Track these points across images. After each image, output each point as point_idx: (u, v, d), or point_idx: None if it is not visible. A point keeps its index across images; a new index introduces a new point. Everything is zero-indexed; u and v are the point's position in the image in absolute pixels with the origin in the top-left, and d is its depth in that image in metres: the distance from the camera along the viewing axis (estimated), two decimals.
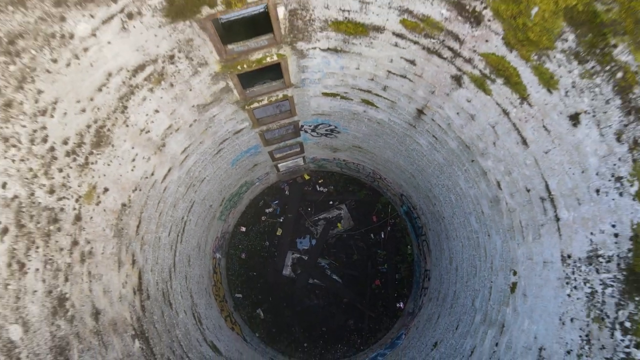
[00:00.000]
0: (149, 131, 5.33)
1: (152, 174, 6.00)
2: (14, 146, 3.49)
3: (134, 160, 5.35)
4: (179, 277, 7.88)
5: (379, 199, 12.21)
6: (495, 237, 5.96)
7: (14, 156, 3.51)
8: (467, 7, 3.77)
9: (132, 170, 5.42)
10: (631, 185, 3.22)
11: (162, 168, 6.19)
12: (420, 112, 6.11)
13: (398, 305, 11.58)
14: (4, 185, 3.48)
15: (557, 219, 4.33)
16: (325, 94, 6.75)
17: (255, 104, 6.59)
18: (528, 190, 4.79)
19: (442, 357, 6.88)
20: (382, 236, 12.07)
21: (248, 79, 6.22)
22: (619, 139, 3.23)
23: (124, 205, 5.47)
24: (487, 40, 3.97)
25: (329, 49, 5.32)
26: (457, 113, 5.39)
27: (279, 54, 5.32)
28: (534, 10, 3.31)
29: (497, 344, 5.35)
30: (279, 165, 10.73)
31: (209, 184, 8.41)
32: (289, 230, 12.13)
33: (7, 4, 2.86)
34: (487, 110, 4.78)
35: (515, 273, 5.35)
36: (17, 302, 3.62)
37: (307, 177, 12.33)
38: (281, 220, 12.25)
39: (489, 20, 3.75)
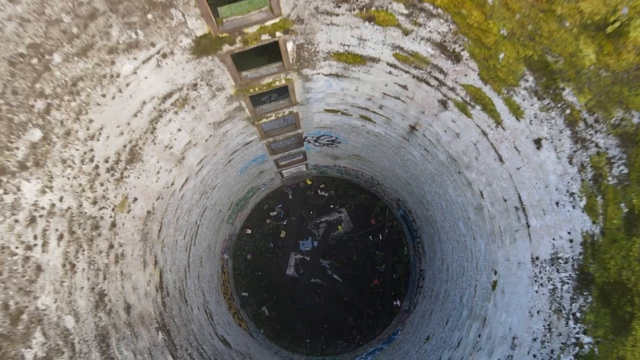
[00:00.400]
0: (172, 147, 6.02)
1: (172, 184, 6.69)
2: (70, 166, 4.17)
3: (158, 172, 6.04)
4: (193, 276, 8.57)
5: (377, 203, 12.90)
6: (480, 240, 6.65)
7: (68, 174, 4.20)
8: (448, 48, 4.46)
9: (157, 181, 6.12)
10: (581, 200, 3.91)
11: (180, 178, 6.89)
12: (412, 128, 6.80)
13: (395, 303, 12.27)
14: (61, 199, 4.17)
15: (528, 226, 5.02)
16: (327, 111, 7.44)
17: (264, 120, 7.28)
18: (505, 200, 5.48)
19: (432, 349, 7.57)
20: (380, 238, 12.77)
21: (258, 98, 6.91)
22: (570, 162, 3.92)
23: (149, 212, 6.16)
24: (466, 75, 4.66)
25: (331, 74, 6.01)
26: (445, 131, 6.08)
27: (287, 78, 6.01)
28: (501, 55, 4.00)
29: (479, 335, 6.04)
30: (283, 171, 11.42)
31: (220, 191, 9.10)
32: (292, 232, 12.81)
33: (73, 55, 3.55)
34: (469, 130, 5.48)
35: (495, 272, 6.05)
36: (69, 296, 4.30)
37: (309, 182, 13.03)
38: (285, 223, 12.94)
39: (466, 60, 4.44)
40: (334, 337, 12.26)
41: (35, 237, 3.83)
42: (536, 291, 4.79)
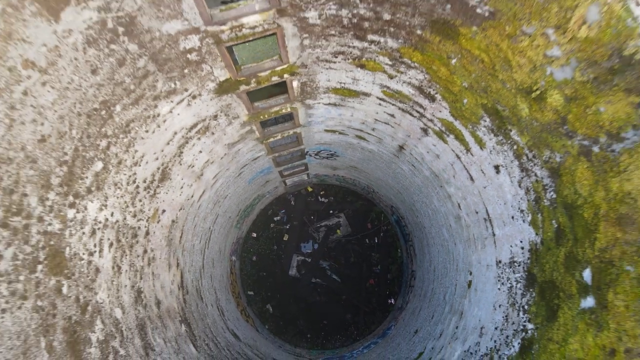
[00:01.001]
0: (193, 166, 7.02)
1: (192, 196, 7.69)
2: (119, 188, 5.17)
3: (182, 187, 7.04)
4: (206, 276, 9.57)
5: (373, 208, 13.91)
6: (459, 245, 7.65)
7: (118, 194, 5.20)
8: (425, 90, 5.47)
9: (180, 195, 7.12)
10: (528, 216, 4.92)
11: (199, 191, 7.89)
12: (401, 147, 7.81)
13: (389, 301, 13.27)
14: (112, 214, 5.16)
15: (494, 235, 6.03)
16: (327, 131, 8.45)
17: (271, 139, 8.28)
18: (477, 212, 6.48)
19: (420, 340, 8.57)
20: (376, 241, 13.77)
21: (266, 122, 7.90)
22: (520, 185, 4.92)
23: (173, 221, 7.16)
24: (440, 111, 5.67)
25: (329, 103, 7.02)
26: (427, 152, 7.09)
27: (292, 107, 7.01)
28: (465, 100, 5.00)
29: (457, 327, 7.05)
30: (287, 180, 12.42)
31: (230, 200, 10.10)
32: (294, 235, 13.81)
33: (129, 104, 4.55)
34: (447, 153, 6.48)
35: (471, 273, 7.05)
36: (117, 292, 5.29)
37: (310, 190, 14.03)
38: (287, 227, 13.94)
39: (439, 100, 5.45)
40: (333, 332, 13.26)
41: (94, 246, 4.84)
42: (499, 289, 5.80)
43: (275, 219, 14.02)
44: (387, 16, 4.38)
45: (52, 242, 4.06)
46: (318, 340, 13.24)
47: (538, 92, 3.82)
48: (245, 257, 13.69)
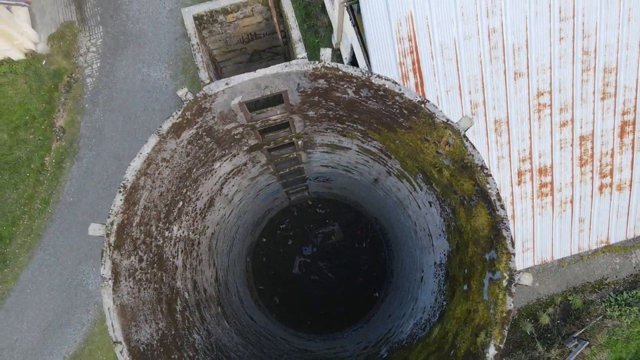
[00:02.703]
0: (227, 195, 9.96)
1: (224, 215, 10.62)
2: (187, 215, 8.09)
3: (219, 210, 9.97)
4: (231, 273, 12.50)
5: (361, 219, 16.84)
6: (417, 251, 10.59)
7: (188, 219, 8.11)
8: (383, 151, 8.42)
9: (217, 215, 10.05)
10: (445, 235, 7.85)
11: (228, 211, 10.81)
12: (375, 180, 10.76)
13: (375, 295, 16.21)
14: (183, 232, 8.08)
15: (433, 245, 8.97)
16: (322, 166, 11.39)
17: (281, 172, 11.22)
18: (424, 229, 9.42)
19: (391, 321, 11.49)
20: (364, 245, 16.70)
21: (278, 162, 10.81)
22: (441, 215, 7.86)
23: (212, 233, 10.10)
24: (395, 164, 8.61)
25: (323, 151, 9.96)
26: (392, 185, 10.02)
27: (297, 154, 9.95)
28: (407, 162, 7.94)
29: (412, 309, 9.98)
30: (291, 196, 15.35)
31: (248, 214, 13.04)
32: (297, 240, 16.75)
33: (199, 167, 7.48)
34: (404, 189, 9.42)
35: (422, 271, 9.99)
36: (185, 282, 8.20)
37: (310, 203, 16.96)
38: (291, 233, 16.88)
39: (393, 159, 8.39)
40: (329, 320, 16.19)
41: (175, 252, 7.77)
42: (434, 281, 8.73)
43: (281, 226, 16.95)
44: (355, 116, 7.34)
45: (159, 251, 7.00)
46: (316, 326, 16.17)
47: (438, 167, 6.76)
48: (257, 258, 16.63)
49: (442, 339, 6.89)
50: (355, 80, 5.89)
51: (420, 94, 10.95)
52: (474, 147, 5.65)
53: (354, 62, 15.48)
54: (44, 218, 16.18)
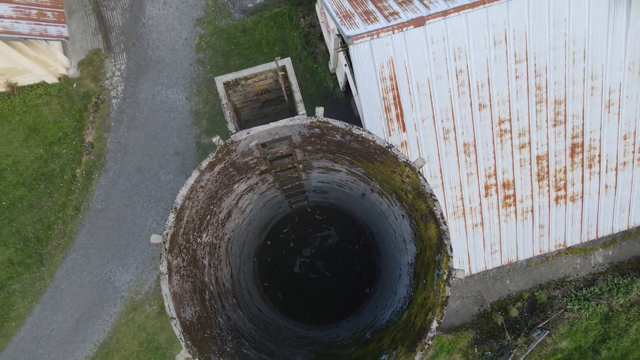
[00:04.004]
0: (241, 207, 12.21)
1: (238, 223, 12.86)
2: (212, 224, 10.32)
3: (235, 220, 12.22)
4: (242, 271, 14.74)
5: (354, 224, 19.10)
6: (397, 253, 12.84)
7: (211, 228, 10.35)
8: (367, 175, 10.68)
9: (233, 223, 12.29)
10: (413, 241, 10.10)
11: (241, 219, 13.06)
12: (363, 194, 13.01)
13: (366, 290, 18.46)
14: (209, 238, 10.31)
15: (407, 248, 11.22)
16: (319, 182, 13.65)
17: (285, 187, 13.48)
18: (401, 235, 11.67)
19: (376, 310, 13.73)
20: (357, 248, 18.97)
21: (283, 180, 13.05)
22: (410, 225, 10.11)
23: (229, 239, 12.34)
24: (376, 185, 10.87)
25: (320, 172, 12.21)
26: (376, 199, 12.27)
27: (298, 174, 12.20)
28: (383, 185, 10.20)
29: (391, 300, 12.23)
30: (292, 205, 17.61)
31: (256, 221, 15.29)
32: (298, 243, 19.01)
33: (223, 189, 9.73)
34: (383, 203, 11.67)
35: (400, 269, 12.25)
36: (210, 278, 10.43)
37: (309, 210, 19.22)
38: (292, 237, 19.15)
39: (374, 181, 10.65)
40: (325, 313, 18.45)
41: (204, 254, 10.02)
42: (407, 277, 10.99)
43: (284, 231, 19.22)
44: (343, 150, 9.60)
45: (194, 254, 9.26)
46: (315, 319, 18.42)
47: (404, 191, 9.03)
48: (263, 258, 18.90)
49: (407, 320, 9.15)
50: (340, 130, 8.16)
51: (401, 122, 13.19)
52: (425, 180, 7.90)
53: (347, 86, 17.72)
54: (76, 223, 18.44)
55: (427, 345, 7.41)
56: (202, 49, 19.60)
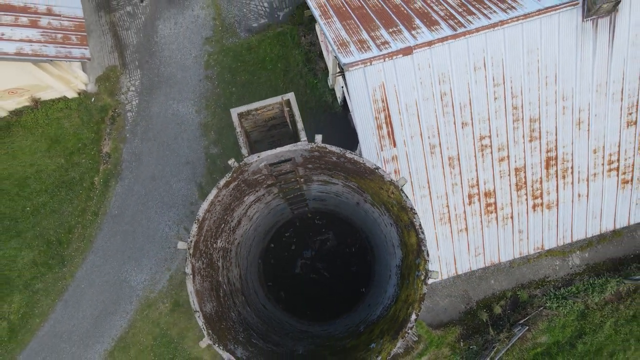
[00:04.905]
0: (250, 215, 13.75)
1: (246, 229, 14.41)
2: (225, 232, 11.85)
3: (243, 226, 13.76)
4: (249, 272, 16.29)
5: (351, 229, 20.65)
6: (388, 256, 14.39)
7: (224, 235, 11.88)
8: (360, 188, 12.25)
9: (242, 229, 13.83)
10: (399, 246, 11.66)
11: (249, 226, 14.60)
12: (357, 203, 14.57)
13: (362, 290, 20.01)
14: (222, 244, 11.85)
15: (395, 252, 12.80)
16: (319, 192, 15.21)
17: (288, 197, 15.03)
18: (390, 241, 13.22)
19: (369, 307, 15.28)
20: (353, 250, 20.52)
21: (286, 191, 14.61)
22: (397, 233, 11.66)
23: (238, 243, 13.88)
24: (368, 197, 12.43)
25: (319, 184, 13.76)
26: (369, 208, 13.82)
27: (300, 185, 13.75)
28: (374, 197, 11.76)
29: (383, 298, 13.77)
30: (294, 211, 19.16)
31: (261, 227, 16.85)
32: (299, 246, 20.56)
33: (235, 201, 11.28)
34: (376, 212, 13.22)
35: (390, 270, 13.80)
36: (223, 277, 11.96)
37: (309, 215, 20.77)
38: (294, 240, 20.70)
39: (366, 194, 12.21)
40: (324, 311, 20.01)
41: (218, 257, 11.56)
42: (395, 278, 12.54)
43: (286, 235, 20.78)
44: (339, 168, 11.17)
45: (210, 257, 10.82)
46: (314, 316, 19.98)
47: (391, 204, 10.60)
48: (267, 260, 20.46)
49: (393, 314, 10.70)
50: (336, 154, 9.71)
51: (392, 139, 14.72)
52: (406, 197, 9.46)
53: (345, 100, 19.27)
54: (94, 227, 20.01)
55: (406, 334, 8.95)
56: (210, 66, 21.16)
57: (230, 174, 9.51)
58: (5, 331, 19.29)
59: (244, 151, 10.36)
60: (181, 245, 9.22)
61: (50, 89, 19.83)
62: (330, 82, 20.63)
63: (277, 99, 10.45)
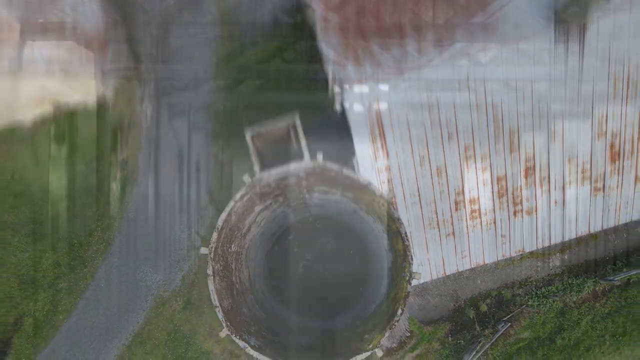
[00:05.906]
0: (258, 222, 15.39)
1: (255, 234, 16.03)
2: (238, 238, 13.48)
3: (252, 232, 15.39)
4: (256, 273, 17.93)
5: (350, 232, 22.29)
6: (383, 259, 16.03)
7: (237, 241, 13.50)
8: (355, 200, 13.91)
9: (251, 234, 15.47)
10: (391, 252, 13.31)
11: (257, 231, 16.24)
12: (354, 211, 16.23)
13: (360, 289, 21.64)
14: (235, 249, 13.48)
15: (387, 256, 14.43)
16: (320, 200, 16.86)
17: (292, 204, 16.68)
18: (383, 245, 14.86)
19: (365, 305, 16.93)
20: (352, 252, 22.17)
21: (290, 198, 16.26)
22: (388, 239, 13.32)
23: (247, 247, 15.52)
24: (363, 207, 14.08)
25: (319, 194, 15.41)
26: (364, 216, 15.47)
27: (303, 195, 15.39)
28: (369, 208, 13.42)
29: (376, 296, 15.43)
30: (297, 216, 20.80)
31: (268, 231, 18.49)
32: (301, 248, 22.22)
33: (247, 210, 12.92)
34: (370, 220, 14.88)
35: (383, 272, 15.46)
36: (236, 277, 13.59)
37: (311, 220, 22.42)
38: (297, 243, 22.35)
39: (361, 204, 13.86)
40: (326, 310, 21.66)
41: (232, 260, 13.20)
42: (387, 278, 14.19)
43: (289, 238, 22.43)
44: (337, 182, 12.83)
45: (226, 260, 12.47)
46: (316, 314, 21.64)
47: (381, 214, 12.25)
48: (272, 261, 22.10)
49: (384, 310, 12.36)
50: (334, 170, 11.37)
51: (385, 150, 16.36)
52: (394, 208, 11.12)
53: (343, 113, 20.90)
54: (113, 230, 21.68)
55: (393, 326, 10.60)
56: (219, 77, 22.81)
57: (245, 189, 11.16)
58: (31, 327, 20.97)
59: (256, 167, 12.02)
60: (204, 250, 10.87)
61: (71, 98, 21.47)
62: (329, 91, 22.28)
63: (285, 120, 12.12)
